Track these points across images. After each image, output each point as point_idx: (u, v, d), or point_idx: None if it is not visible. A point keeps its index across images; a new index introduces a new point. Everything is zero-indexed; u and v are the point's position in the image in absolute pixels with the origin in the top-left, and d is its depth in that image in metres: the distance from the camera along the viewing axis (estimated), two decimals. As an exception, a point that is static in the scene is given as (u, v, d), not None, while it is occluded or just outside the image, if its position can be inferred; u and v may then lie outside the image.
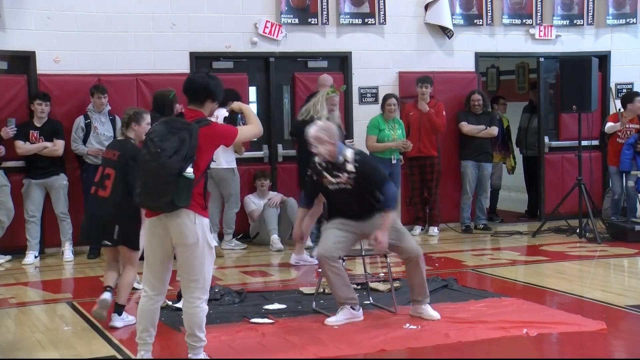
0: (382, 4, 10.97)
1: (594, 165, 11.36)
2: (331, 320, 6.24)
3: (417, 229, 10.87)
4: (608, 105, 11.98)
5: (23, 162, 9.40)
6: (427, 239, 10.61)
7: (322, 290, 6.89)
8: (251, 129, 5.39)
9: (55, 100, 9.43)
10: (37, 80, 9.59)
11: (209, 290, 5.18)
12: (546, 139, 11.93)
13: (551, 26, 11.84)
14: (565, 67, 10.61)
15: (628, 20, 12.13)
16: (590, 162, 11.19)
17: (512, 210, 12.81)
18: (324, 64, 10.94)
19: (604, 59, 11.98)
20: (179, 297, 6.19)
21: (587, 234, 10.14)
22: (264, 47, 10.56)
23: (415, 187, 10.87)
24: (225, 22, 10.39)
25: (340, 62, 11.01)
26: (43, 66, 9.64)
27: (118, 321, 6.23)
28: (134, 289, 6.75)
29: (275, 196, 10.15)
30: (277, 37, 10.57)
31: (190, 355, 5.16)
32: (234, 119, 5.48)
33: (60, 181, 9.37)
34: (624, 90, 12.09)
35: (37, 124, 9.28)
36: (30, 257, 9.19)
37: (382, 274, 7.77)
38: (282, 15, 10.56)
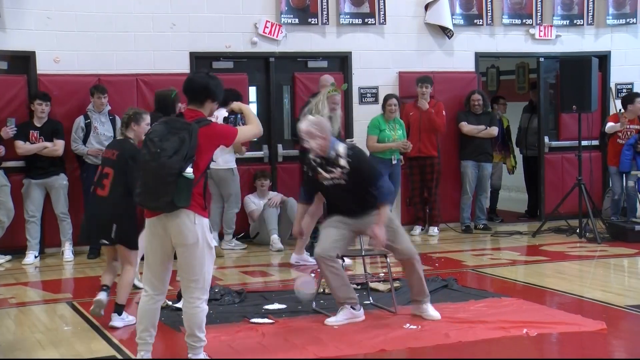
0: (382, 4, 10.97)
1: (594, 165, 11.36)
2: (331, 321, 6.24)
3: (417, 229, 10.87)
4: (608, 105, 11.98)
5: (23, 162, 9.40)
6: (427, 239, 10.61)
7: (322, 290, 6.89)
8: (251, 129, 5.39)
9: (55, 100, 9.43)
10: (37, 80, 9.59)
11: (208, 290, 5.19)
12: (546, 139, 11.93)
13: (551, 26, 11.84)
14: (565, 67, 10.61)
15: (628, 20, 12.14)
16: (590, 162, 11.19)
17: (512, 210, 12.81)
18: (324, 64, 10.94)
19: (604, 59, 11.98)
20: (179, 297, 6.19)
21: (587, 234, 10.14)
22: (264, 47, 10.56)
23: (415, 187, 10.87)
24: (225, 22, 10.39)
25: (340, 62, 11.01)
26: (43, 66, 9.64)
27: (118, 321, 6.23)
28: (136, 287, 6.75)
29: (275, 196, 10.15)
30: (277, 37, 10.57)
31: (190, 355, 5.16)
32: (235, 119, 5.48)
33: (60, 181, 9.37)
34: (624, 90, 12.10)
35: (37, 124, 9.28)
36: (30, 257, 9.19)
37: (382, 274, 7.77)
38: (282, 15, 10.56)
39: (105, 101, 9.47)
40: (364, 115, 10.67)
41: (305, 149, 6.58)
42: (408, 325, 6.12)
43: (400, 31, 11.16)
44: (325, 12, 10.73)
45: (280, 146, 10.66)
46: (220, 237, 9.80)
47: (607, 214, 11.05)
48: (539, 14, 11.77)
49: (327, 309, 6.53)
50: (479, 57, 11.65)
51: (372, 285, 7.20)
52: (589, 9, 11.96)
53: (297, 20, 10.65)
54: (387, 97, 10.22)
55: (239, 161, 9.84)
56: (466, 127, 10.98)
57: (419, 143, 10.59)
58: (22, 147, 9.21)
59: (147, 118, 6.47)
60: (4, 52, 9.52)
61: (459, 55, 11.47)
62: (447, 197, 11.17)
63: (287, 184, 10.47)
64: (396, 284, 7.05)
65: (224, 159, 9.35)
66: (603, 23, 12.04)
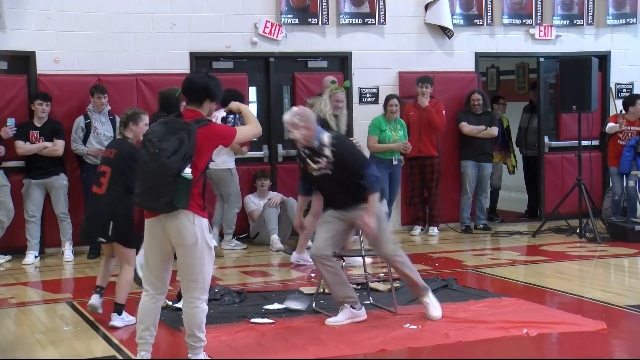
0: (382, 4, 10.97)
1: (594, 165, 11.36)
2: (331, 321, 6.24)
3: (417, 229, 10.87)
4: (608, 105, 12.00)
5: (23, 162, 9.40)
6: (427, 239, 10.61)
7: (322, 290, 6.89)
8: (250, 129, 5.37)
9: (55, 100, 9.43)
10: (37, 80, 9.59)
11: (208, 290, 5.18)
12: (546, 139, 11.93)
13: (551, 26, 11.84)
14: (565, 67, 10.61)
15: (628, 20, 12.14)
16: (590, 162, 11.19)
17: (512, 210, 12.81)
18: (324, 64, 10.94)
19: (604, 59, 11.98)
20: (179, 297, 6.19)
21: (587, 234, 10.14)
22: (264, 47, 10.56)
23: (415, 187, 10.87)
24: (225, 22, 10.39)
25: (340, 62, 11.01)
26: (43, 66, 9.64)
27: (118, 321, 6.24)
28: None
29: (275, 196, 10.15)
30: (277, 37, 10.57)
31: (190, 355, 5.16)
32: (233, 119, 5.46)
33: (60, 181, 9.37)
34: (624, 90, 12.11)
35: (37, 124, 9.28)
36: (30, 257, 9.19)
37: (382, 274, 7.76)
38: (282, 15, 10.56)
39: (105, 101, 9.47)
40: (364, 115, 10.67)
41: None
42: (408, 325, 6.12)
43: (400, 31, 11.16)
44: (325, 12, 10.73)
45: (280, 146, 10.66)
46: (221, 236, 9.81)
47: (607, 214, 11.06)
48: (539, 14, 11.77)
49: (327, 309, 6.53)
50: (479, 57, 11.66)
51: (372, 285, 7.19)
52: (589, 9, 11.96)
53: (297, 20, 10.65)
54: (389, 98, 10.22)
55: (238, 161, 9.84)
56: (466, 127, 10.98)
57: (419, 143, 10.60)
58: (22, 147, 9.21)
59: (146, 118, 6.49)
60: (4, 52, 9.52)
61: (459, 55, 11.47)
62: (447, 197, 11.16)
63: (287, 184, 10.47)
64: (396, 284, 7.05)
65: (221, 159, 9.35)
66: (603, 23, 12.04)
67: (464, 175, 11.08)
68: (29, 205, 9.27)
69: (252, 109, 10.49)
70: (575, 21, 11.95)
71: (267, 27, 10.51)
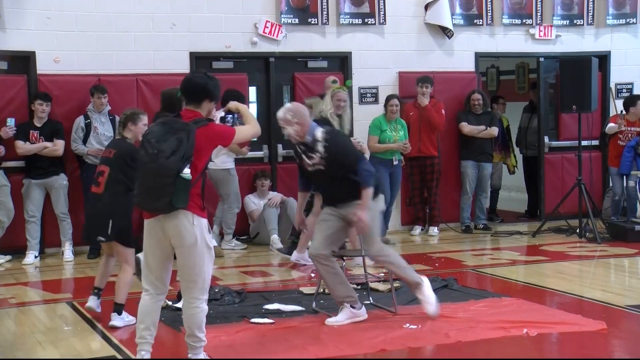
0: (382, 4, 10.97)
1: (594, 165, 11.36)
2: (332, 321, 6.23)
3: (417, 229, 10.87)
4: (608, 105, 12.00)
5: (23, 162, 9.40)
6: (427, 239, 10.61)
7: (322, 290, 6.88)
8: (249, 129, 5.36)
9: (55, 100, 9.43)
10: (37, 80, 9.59)
11: (208, 291, 5.18)
12: (546, 139, 11.93)
13: (551, 26, 11.84)
14: (565, 67, 10.61)
15: (628, 20, 12.13)
16: (590, 162, 11.19)
17: (512, 210, 12.81)
18: (324, 64, 10.94)
19: (604, 59, 11.98)
20: (179, 297, 6.19)
21: (587, 234, 10.14)
22: (264, 47, 10.56)
23: (415, 187, 10.86)
24: (225, 22, 10.39)
25: (340, 62, 11.01)
26: (43, 66, 9.64)
27: (118, 320, 6.24)
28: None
29: (275, 196, 10.15)
30: (277, 37, 10.57)
31: (190, 355, 5.16)
32: (232, 118, 5.45)
33: (60, 181, 9.37)
34: (624, 90, 12.11)
35: (38, 124, 9.28)
36: (30, 257, 9.19)
37: (382, 274, 7.76)
38: (282, 15, 10.56)
39: (105, 101, 9.47)
40: (364, 115, 10.66)
41: None
42: (408, 325, 6.11)
43: (400, 31, 11.15)
44: (325, 12, 10.73)
45: (280, 146, 10.66)
46: (221, 236, 9.81)
47: (607, 214, 11.06)
48: (539, 14, 11.77)
49: (327, 309, 6.53)
50: (479, 57, 11.65)
51: (372, 285, 7.19)
52: (589, 9, 11.96)
53: (297, 20, 10.64)
54: (389, 98, 10.21)
55: (238, 161, 9.84)
56: (467, 127, 10.98)
57: (419, 143, 10.59)
58: (22, 147, 9.21)
59: (144, 118, 6.50)
60: (4, 52, 9.52)
61: (459, 55, 11.47)
62: (447, 197, 11.16)
63: (287, 184, 10.46)
64: (396, 284, 7.04)
65: (220, 160, 9.35)
66: (603, 23, 12.04)
67: (464, 175, 11.08)
68: (29, 205, 9.28)
69: (252, 109, 10.49)
70: (575, 21, 11.95)
71: (267, 27, 10.51)
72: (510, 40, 11.76)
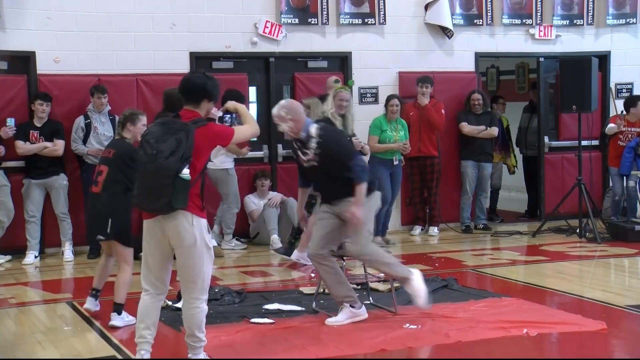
0: (382, 4, 10.97)
1: (594, 165, 11.36)
2: (332, 321, 6.23)
3: (417, 229, 10.87)
4: (608, 105, 12.00)
5: (23, 162, 9.40)
6: (427, 239, 10.61)
7: (322, 290, 6.88)
8: (248, 129, 5.35)
9: (55, 100, 9.43)
10: (37, 80, 9.59)
11: (208, 291, 5.18)
12: (546, 139, 11.93)
13: (551, 26, 11.84)
14: (565, 67, 10.61)
15: (628, 20, 12.13)
16: (590, 162, 11.20)
17: (512, 210, 12.81)
18: (324, 64, 10.94)
19: (604, 59, 11.98)
20: (179, 297, 6.19)
21: (587, 234, 10.14)
22: (264, 47, 10.56)
23: (415, 187, 10.86)
24: (225, 22, 10.39)
25: (340, 62, 11.01)
26: (43, 66, 9.64)
27: (118, 320, 6.24)
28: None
29: (275, 196, 10.15)
30: (277, 37, 10.57)
31: (190, 355, 5.16)
32: (230, 118, 5.44)
33: (60, 181, 9.37)
34: (624, 90, 12.11)
35: (38, 124, 9.28)
36: (30, 257, 9.19)
37: (382, 274, 7.75)
38: (282, 15, 10.55)
39: (105, 101, 9.47)
40: (364, 115, 10.65)
41: None
42: (408, 325, 6.11)
43: (400, 31, 11.15)
44: (325, 12, 10.73)
45: (280, 146, 10.65)
46: (222, 236, 9.81)
47: (607, 214, 11.06)
48: (539, 14, 11.77)
49: (327, 309, 6.53)
50: (479, 57, 11.65)
51: (372, 285, 7.19)
52: (589, 9, 11.96)
53: (297, 20, 10.64)
54: (389, 98, 10.20)
55: (238, 161, 9.84)
56: (467, 127, 10.98)
57: (419, 143, 10.60)
58: (22, 147, 9.21)
59: (143, 119, 6.51)
60: (4, 52, 9.52)
61: (459, 55, 11.47)
62: (447, 197, 11.16)
63: (287, 184, 10.46)
64: (396, 284, 7.02)
65: (219, 160, 9.35)
66: (603, 23, 12.04)
67: (464, 175, 11.08)
68: (29, 205, 9.27)
69: (252, 109, 10.50)
70: (575, 21, 11.95)
71: (267, 27, 10.51)
72: (510, 40, 11.76)
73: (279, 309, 6.63)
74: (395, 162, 10.08)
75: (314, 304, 6.69)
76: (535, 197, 12.17)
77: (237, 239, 10.00)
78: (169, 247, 5.02)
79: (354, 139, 8.91)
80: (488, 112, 11.23)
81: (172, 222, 4.91)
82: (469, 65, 11.54)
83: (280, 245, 9.64)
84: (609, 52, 12.12)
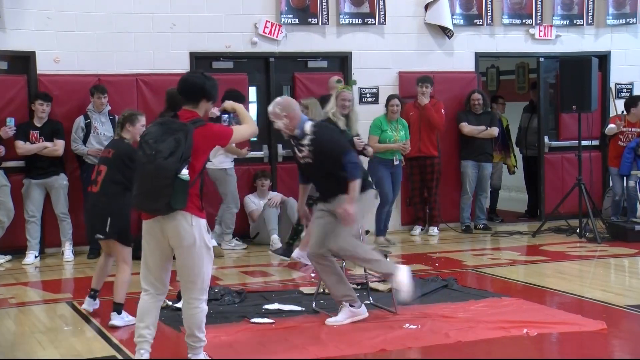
0: (382, 4, 10.97)
1: (594, 165, 11.37)
2: (331, 321, 6.23)
3: (417, 229, 10.87)
4: (608, 105, 12.00)
5: (23, 162, 9.40)
6: (427, 239, 10.61)
7: (322, 290, 6.88)
8: (246, 128, 5.34)
9: (55, 100, 9.43)
10: (37, 80, 9.59)
11: (208, 290, 5.18)
12: (546, 139, 11.93)
13: (551, 26, 11.84)
14: (565, 67, 10.61)
15: (628, 20, 12.14)
16: (590, 162, 11.20)
17: (512, 210, 12.81)
18: (324, 64, 10.94)
19: (604, 59, 11.98)
20: (179, 297, 6.19)
21: (587, 234, 10.14)
22: (264, 47, 10.56)
23: (415, 187, 10.86)
24: (225, 22, 10.39)
25: (340, 62, 11.01)
26: (43, 66, 9.64)
27: (117, 320, 6.24)
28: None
29: (275, 196, 10.15)
30: (277, 37, 10.57)
31: (190, 355, 5.16)
32: (228, 118, 5.44)
33: (60, 181, 9.37)
34: (624, 90, 12.11)
35: (38, 124, 9.28)
36: (30, 257, 9.19)
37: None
38: (282, 15, 10.55)
39: (105, 101, 9.47)
40: (364, 115, 10.58)
41: None
42: (408, 325, 6.11)
43: (400, 31, 11.15)
44: (325, 12, 10.73)
45: (280, 146, 10.65)
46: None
47: (607, 214, 11.06)
48: (538, 14, 11.77)
49: (327, 309, 6.53)
50: (479, 57, 11.66)
51: (372, 285, 7.18)
52: (589, 9, 11.96)
53: (297, 20, 10.64)
54: (390, 98, 10.20)
55: (239, 161, 9.84)
56: (467, 127, 10.98)
57: (419, 143, 10.59)
58: (22, 147, 9.21)
59: (142, 119, 6.52)
60: (4, 52, 9.52)
61: (459, 55, 11.47)
62: (447, 197, 11.16)
63: (287, 184, 10.46)
64: (396, 284, 7.04)
65: (218, 160, 9.36)
66: (603, 23, 12.04)
67: (464, 175, 11.08)
68: (29, 205, 9.28)
69: (252, 109, 10.50)
70: (575, 21, 11.95)
71: (267, 27, 10.51)
72: (510, 40, 11.76)
73: (279, 309, 6.63)
74: (396, 162, 10.07)
75: (314, 304, 6.69)
76: (535, 197, 12.17)
77: (237, 239, 10.00)
78: (168, 248, 5.02)
79: (355, 139, 8.91)
80: (488, 112, 11.23)
81: (172, 223, 4.91)
82: (469, 65, 11.54)
83: (280, 245, 9.64)
84: (609, 52, 12.12)
